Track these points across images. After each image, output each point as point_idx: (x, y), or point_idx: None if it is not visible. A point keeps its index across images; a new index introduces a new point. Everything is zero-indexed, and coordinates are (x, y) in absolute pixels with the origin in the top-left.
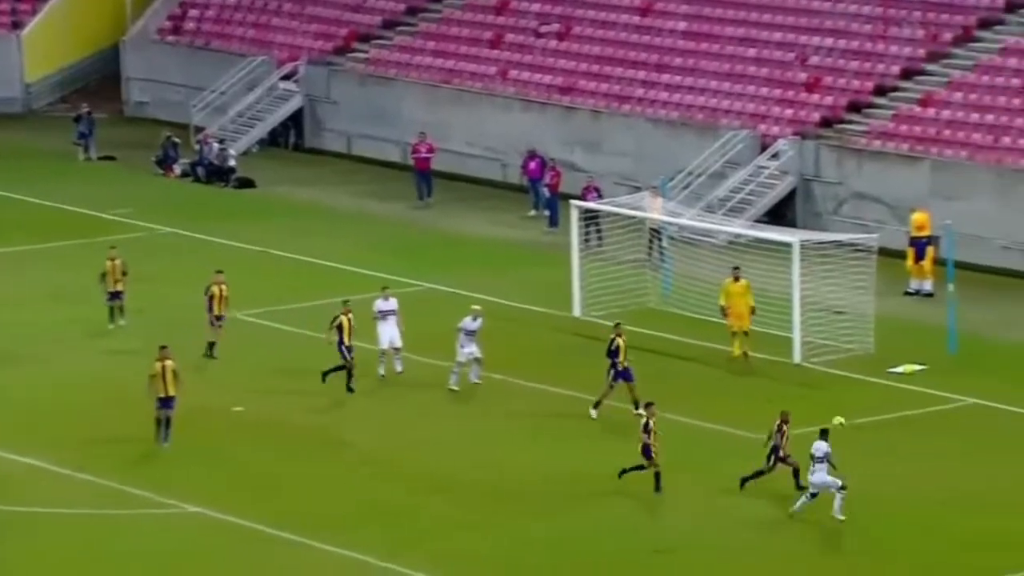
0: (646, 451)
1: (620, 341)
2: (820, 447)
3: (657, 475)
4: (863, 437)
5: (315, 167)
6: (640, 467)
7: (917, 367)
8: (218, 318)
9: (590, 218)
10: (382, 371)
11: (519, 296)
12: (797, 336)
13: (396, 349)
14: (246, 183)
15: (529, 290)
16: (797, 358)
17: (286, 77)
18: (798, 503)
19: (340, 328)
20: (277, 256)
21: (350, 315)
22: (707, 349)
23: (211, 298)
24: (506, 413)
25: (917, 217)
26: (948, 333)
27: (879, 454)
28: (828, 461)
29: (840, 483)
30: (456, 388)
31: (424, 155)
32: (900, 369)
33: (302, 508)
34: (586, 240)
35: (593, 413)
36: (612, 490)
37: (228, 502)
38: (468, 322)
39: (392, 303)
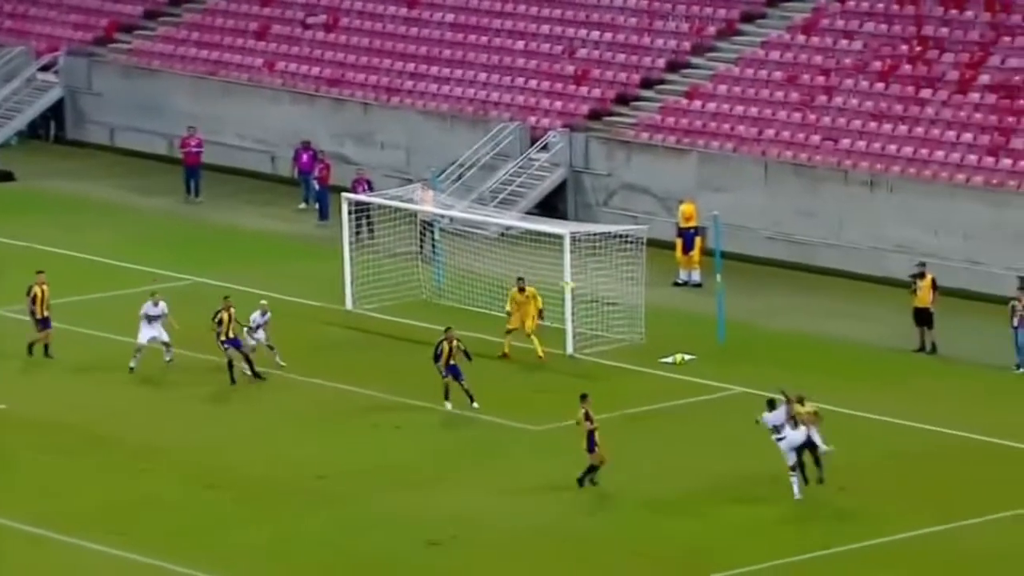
0: (590, 442)
1: (446, 346)
2: (770, 418)
3: (593, 467)
4: (635, 427)
5: (78, 160)
6: (592, 469)
7: (687, 357)
8: (44, 319)
9: (361, 211)
10: (133, 364)
11: (291, 290)
12: (569, 327)
13: (165, 344)
14: (5, 176)
15: (301, 283)
16: (570, 349)
17: (45, 68)
18: (795, 487)
19: (220, 322)
20: (42, 251)
21: (232, 310)
22: (482, 341)
23: (34, 299)
24: (280, 407)
25: (685, 208)
26: (717, 322)
27: (650, 443)
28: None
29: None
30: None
31: (194, 150)
32: (671, 359)
33: (71, 506)
34: (357, 233)
35: (447, 405)
36: (388, 483)
37: None
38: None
39: (161, 308)
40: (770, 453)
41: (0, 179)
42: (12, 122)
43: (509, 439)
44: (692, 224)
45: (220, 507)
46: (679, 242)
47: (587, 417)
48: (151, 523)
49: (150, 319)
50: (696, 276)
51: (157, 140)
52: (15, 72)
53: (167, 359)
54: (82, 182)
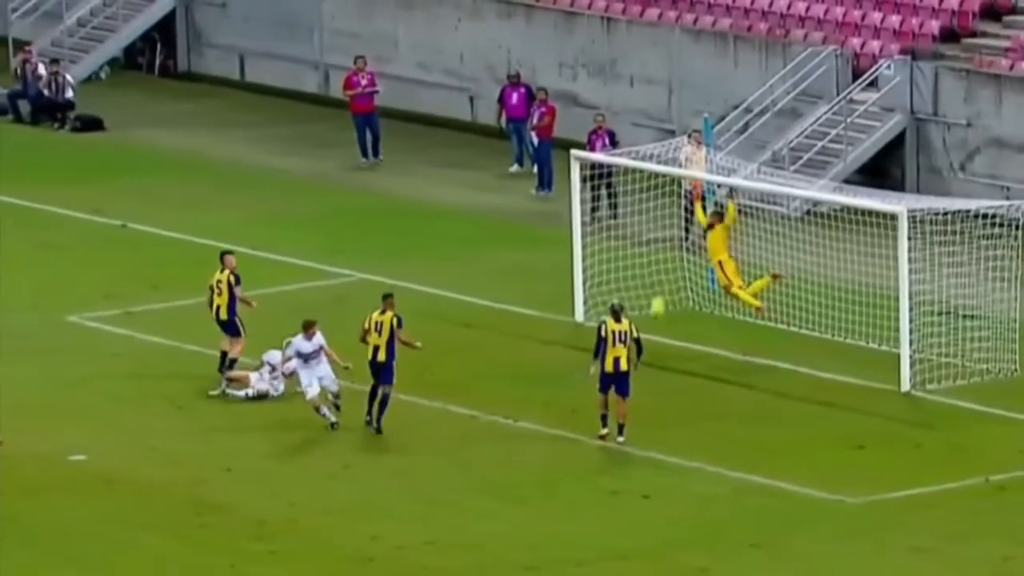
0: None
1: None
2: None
3: None
4: (1008, 500)
5: (193, 100)
6: None
7: None
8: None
9: (599, 176)
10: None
11: (494, 292)
12: (905, 351)
13: (334, 395)
14: (91, 123)
15: (508, 283)
16: (906, 384)
17: None
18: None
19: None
20: (139, 233)
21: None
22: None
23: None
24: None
25: None
26: None
27: None
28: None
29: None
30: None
31: (365, 90)
32: None
33: None
34: (593, 209)
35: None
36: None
37: None
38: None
39: (318, 340)
40: None
41: (84, 127)
42: (103, 45)
43: (809, 516)
44: None
45: None
46: None
47: None
48: None
49: (306, 357)
50: None
51: (305, 72)
52: None
53: (332, 420)
54: (197, 132)
